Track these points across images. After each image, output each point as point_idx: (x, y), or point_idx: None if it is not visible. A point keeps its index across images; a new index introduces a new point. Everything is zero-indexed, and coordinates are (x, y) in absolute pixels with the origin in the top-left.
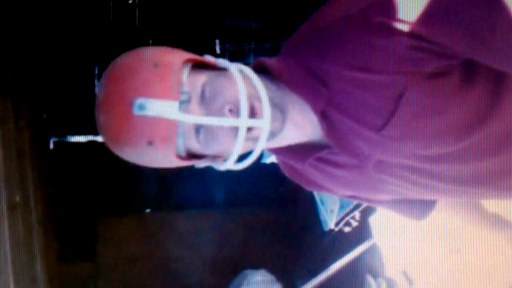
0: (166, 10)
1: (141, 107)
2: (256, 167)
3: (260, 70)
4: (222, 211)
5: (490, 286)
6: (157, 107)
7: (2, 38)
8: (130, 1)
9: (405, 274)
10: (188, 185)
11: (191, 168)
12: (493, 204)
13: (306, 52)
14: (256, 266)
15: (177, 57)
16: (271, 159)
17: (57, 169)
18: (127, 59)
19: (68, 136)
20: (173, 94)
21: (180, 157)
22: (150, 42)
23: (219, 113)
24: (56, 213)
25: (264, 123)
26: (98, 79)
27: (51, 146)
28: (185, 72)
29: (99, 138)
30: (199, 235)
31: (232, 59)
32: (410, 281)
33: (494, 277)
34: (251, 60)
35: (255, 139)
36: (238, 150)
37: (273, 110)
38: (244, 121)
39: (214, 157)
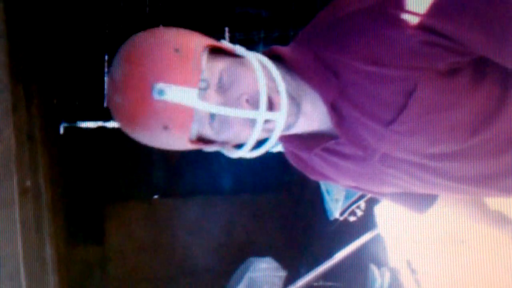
0: None
1: (161, 92)
2: (263, 155)
3: (273, 58)
4: (229, 198)
5: (495, 277)
6: (176, 94)
7: (13, 26)
8: None
9: (408, 264)
10: (196, 172)
11: (199, 155)
12: (495, 202)
13: (320, 42)
14: (261, 254)
15: (197, 43)
16: (278, 148)
17: (67, 155)
18: (146, 41)
19: (78, 122)
20: (193, 81)
21: (192, 141)
22: None
23: (236, 103)
24: (66, 198)
25: (280, 117)
26: (108, 66)
27: (61, 131)
28: (204, 58)
29: (109, 124)
30: (206, 221)
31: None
32: (413, 271)
33: (499, 269)
34: (260, 49)
35: (269, 131)
36: (253, 140)
37: (290, 104)
38: (262, 114)
39: (223, 143)
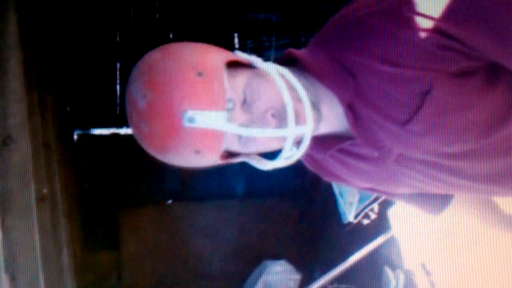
0: (186, 4)
1: (191, 119)
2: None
3: (287, 61)
4: (243, 202)
5: (509, 279)
6: (206, 119)
7: (29, 35)
8: None
9: (423, 266)
10: (209, 177)
11: None
12: (507, 203)
13: (336, 43)
14: (276, 257)
15: (216, 61)
16: None
17: (81, 162)
18: (166, 65)
19: (92, 129)
20: (220, 104)
21: (221, 158)
22: (171, 36)
23: (263, 120)
24: (81, 204)
25: (308, 129)
26: (120, 73)
27: (75, 138)
28: (225, 76)
29: (122, 131)
30: (220, 225)
31: (253, 54)
32: (428, 273)
33: None
34: (272, 54)
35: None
36: (286, 154)
37: (313, 112)
38: (291, 131)
39: (249, 154)
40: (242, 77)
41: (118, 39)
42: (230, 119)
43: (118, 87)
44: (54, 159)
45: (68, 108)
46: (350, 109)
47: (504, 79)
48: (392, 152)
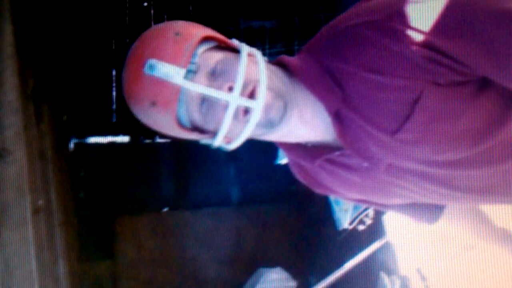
0: (181, 12)
1: (151, 67)
2: (272, 166)
3: (279, 66)
4: (238, 210)
5: (506, 283)
6: (164, 70)
7: (24, 46)
8: (145, 4)
9: (419, 271)
10: (205, 184)
11: (208, 166)
12: (499, 216)
13: (326, 52)
14: (271, 264)
15: (199, 31)
16: (286, 159)
17: (78, 171)
18: (158, 26)
19: (88, 137)
20: (182, 62)
21: (181, 126)
22: None
23: (218, 89)
24: (77, 213)
25: (256, 105)
26: (116, 81)
27: (71, 147)
28: (203, 47)
29: (118, 139)
30: (215, 233)
31: None
32: (424, 279)
33: (510, 275)
34: None
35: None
36: (225, 125)
37: (275, 99)
38: (234, 98)
39: (214, 133)
40: (221, 54)
41: (113, 47)
42: (190, 80)
43: (114, 95)
44: (50, 169)
45: (64, 117)
46: (337, 119)
47: (494, 88)
48: (382, 162)
